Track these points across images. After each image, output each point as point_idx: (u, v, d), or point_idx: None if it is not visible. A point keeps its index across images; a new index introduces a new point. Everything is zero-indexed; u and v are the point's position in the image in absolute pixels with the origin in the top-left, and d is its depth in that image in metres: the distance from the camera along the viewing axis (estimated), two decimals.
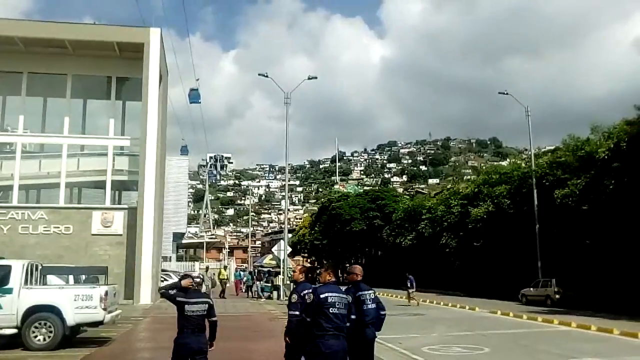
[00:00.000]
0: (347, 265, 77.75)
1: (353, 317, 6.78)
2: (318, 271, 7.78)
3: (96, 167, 28.10)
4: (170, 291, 7.12)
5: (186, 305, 6.90)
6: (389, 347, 13.92)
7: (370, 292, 7.54)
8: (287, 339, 7.40)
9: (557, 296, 28.96)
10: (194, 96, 52.65)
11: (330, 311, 6.19)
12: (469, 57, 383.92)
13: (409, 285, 29.24)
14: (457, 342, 14.60)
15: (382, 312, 7.68)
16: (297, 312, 7.20)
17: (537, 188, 32.05)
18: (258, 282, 34.66)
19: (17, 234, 25.06)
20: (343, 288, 7.06)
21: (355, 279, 7.70)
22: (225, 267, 41.21)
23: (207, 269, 44.25)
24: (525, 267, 32.72)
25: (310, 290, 7.02)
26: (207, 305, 7.07)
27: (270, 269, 38.68)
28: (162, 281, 34.70)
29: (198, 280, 7.37)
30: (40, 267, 14.14)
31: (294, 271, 8.87)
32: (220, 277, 35.19)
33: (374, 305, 7.47)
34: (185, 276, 7.31)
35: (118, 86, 28.60)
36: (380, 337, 15.67)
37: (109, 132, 27.85)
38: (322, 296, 6.27)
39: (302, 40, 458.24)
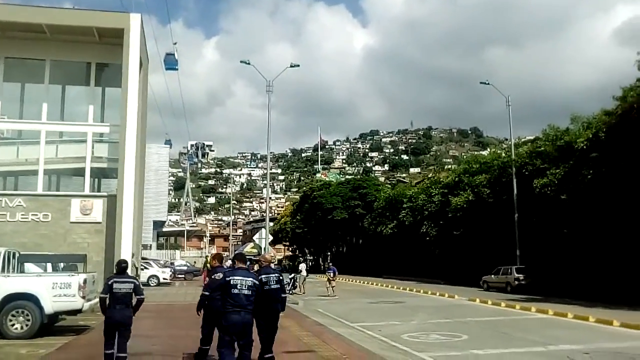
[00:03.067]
0: (329, 253, 78.24)
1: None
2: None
3: (75, 154, 27.64)
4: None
5: (114, 284, 8.47)
6: (369, 335, 14.05)
7: (273, 275, 8.93)
8: (199, 312, 9.28)
9: (517, 283, 30.19)
10: (170, 62, 49.18)
11: (233, 291, 7.55)
12: (451, 47, 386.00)
13: (331, 275, 29.23)
14: (436, 330, 14.75)
15: (283, 295, 9.10)
16: (207, 293, 9.17)
17: (517, 177, 32.35)
18: None
19: None
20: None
21: (263, 264, 9.54)
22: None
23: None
24: (504, 256, 33.10)
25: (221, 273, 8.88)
26: (132, 285, 8.62)
27: (252, 257, 38.72)
28: (142, 269, 34.54)
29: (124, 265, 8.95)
30: (17, 255, 13.99)
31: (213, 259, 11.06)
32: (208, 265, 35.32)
33: (277, 286, 8.87)
34: (122, 261, 9.11)
35: (97, 72, 28.11)
36: (360, 324, 15.92)
37: (88, 118, 27.44)
38: (227, 279, 7.72)
39: (285, 28, 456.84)
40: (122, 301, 8.46)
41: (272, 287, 8.77)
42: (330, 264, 30.39)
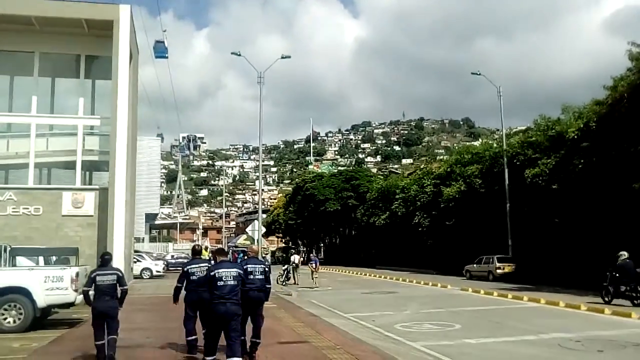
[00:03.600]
0: (322, 245, 78.37)
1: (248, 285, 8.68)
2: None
3: (66, 147, 27.49)
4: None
5: (97, 277, 8.65)
6: (362, 325, 14.10)
7: (259, 266, 9.22)
8: (176, 302, 9.89)
9: (499, 271, 30.86)
10: (160, 49, 48.18)
11: (218, 283, 7.80)
12: (442, 38, 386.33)
13: (313, 266, 29.81)
14: (429, 319, 14.83)
15: (268, 286, 9.34)
16: (180, 285, 9.75)
17: (508, 167, 32.41)
18: None
19: None
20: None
21: (250, 255, 10.22)
22: (206, 248, 40.98)
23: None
24: (497, 246, 33.25)
25: (196, 265, 9.63)
26: (116, 277, 8.79)
27: (245, 248, 38.70)
28: (135, 262, 34.48)
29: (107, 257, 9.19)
30: (9, 249, 13.93)
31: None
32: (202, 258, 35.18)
33: (261, 277, 9.12)
34: (105, 253, 9.40)
35: (87, 64, 27.92)
36: (353, 314, 15.97)
37: (78, 111, 27.29)
38: (211, 273, 8.00)
39: (276, 19, 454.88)
40: (107, 293, 8.64)
41: (257, 277, 9.04)
42: (312, 255, 30.57)
